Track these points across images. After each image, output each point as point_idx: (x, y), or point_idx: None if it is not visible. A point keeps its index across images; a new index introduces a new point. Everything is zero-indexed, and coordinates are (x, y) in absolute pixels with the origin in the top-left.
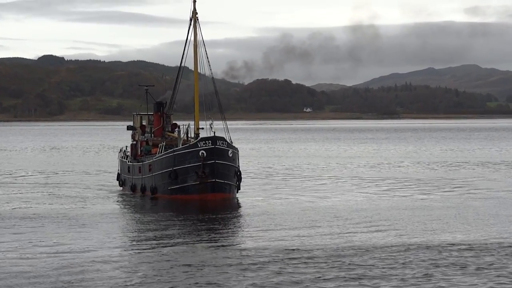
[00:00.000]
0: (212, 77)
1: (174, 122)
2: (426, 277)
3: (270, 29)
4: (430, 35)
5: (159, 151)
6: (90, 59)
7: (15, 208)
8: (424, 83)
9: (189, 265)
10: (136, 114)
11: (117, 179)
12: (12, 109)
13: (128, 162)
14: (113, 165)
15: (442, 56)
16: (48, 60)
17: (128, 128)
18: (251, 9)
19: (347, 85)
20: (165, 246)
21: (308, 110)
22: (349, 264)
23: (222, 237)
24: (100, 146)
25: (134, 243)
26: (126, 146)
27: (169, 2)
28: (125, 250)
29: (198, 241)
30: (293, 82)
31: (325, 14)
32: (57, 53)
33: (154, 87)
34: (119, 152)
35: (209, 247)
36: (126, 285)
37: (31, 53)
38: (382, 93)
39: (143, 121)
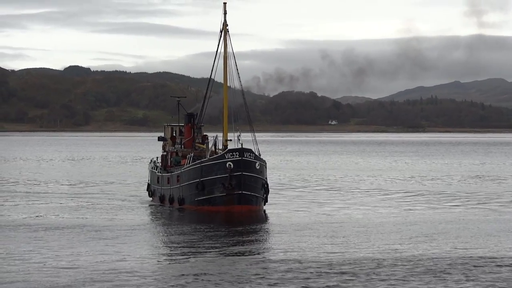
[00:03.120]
0: (242, 89)
1: (204, 133)
2: None
3: (295, 42)
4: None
5: (187, 162)
6: (116, 70)
7: (42, 218)
8: (449, 96)
9: (215, 276)
10: (167, 125)
11: (147, 190)
12: (38, 120)
13: (158, 172)
14: (143, 176)
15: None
16: (74, 71)
17: (159, 139)
18: (276, 22)
19: (372, 98)
20: (192, 257)
21: (333, 123)
22: (379, 277)
23: (248, 249)
24: (129, 157)
25: (160, 254)
26: (157, 157)
27: (196, 14)
28: (151, 261)
29: (224, 253)
30: (319, 94)
31: (349, 27)
32: (83, 64)
33: (185, 98)
34: (150, 162)
35: (235, 258)
36: None
37: (57, 63)
38: (408, 107)
39: (173, 132)
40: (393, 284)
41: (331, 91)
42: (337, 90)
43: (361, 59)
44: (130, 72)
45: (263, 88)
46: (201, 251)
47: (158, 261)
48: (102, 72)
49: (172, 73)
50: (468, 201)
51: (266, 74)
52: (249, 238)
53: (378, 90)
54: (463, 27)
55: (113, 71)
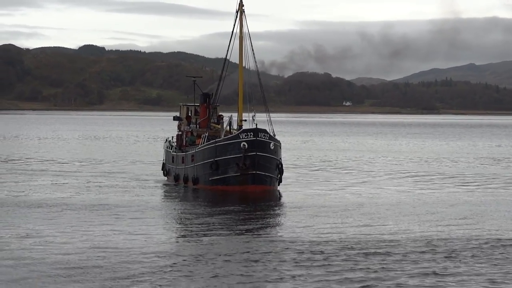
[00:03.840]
0: (257, 70)
1: (220, 113)
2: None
3: (310, 23)
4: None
5: (201, 142)
6: (130, 50)
7: (58, 197)
8: (464, 79)
9: (229, 256)
10: (183, 105)
11: (162, 169)
12: (52, 98)
13: (173, 152)
14: (159, 155)
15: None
16: (89, 50)
17: (174, 118)
18: (291, 2)
19: (387, 80)
20: (205, 237)
21: (348, 104)
22: (387, 260)
23: (262, 228)
24: (144, 136)
25: (174, 233)
26: (172, 137)
27: None
28: (165, 240)
29: (238, 232)
30: (333, 75)
31: (364, 8)
32: (98, 43)
33: (202, 78)
34: (165, 142)
35: (249, 238)
36: (166, 272)
37: (72, 42)
38: (422, 88)
39: (189, 111)
40: (409, 264)
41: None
42: (352, 71)
43: (377, 39)
44: (144, 52)
45: (277, 69)
46: (215, 230)
47: (171, 241)
48: (117, 51)
49: (187, 53)
50: (486, 183)
51: (281, 54)
52: (263, 218)
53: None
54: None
55: (127, 51)
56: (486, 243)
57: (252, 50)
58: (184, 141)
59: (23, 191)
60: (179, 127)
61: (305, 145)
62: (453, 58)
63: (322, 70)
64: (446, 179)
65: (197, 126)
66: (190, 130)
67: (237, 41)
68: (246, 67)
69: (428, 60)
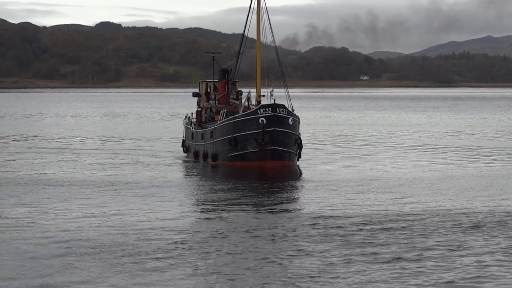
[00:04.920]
0: (275, 45)
1: (239, 89)
2: None
3: None
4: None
5: (220, 118)
6: (147, 26)
7: (78, 175)
8: (482, 51)
9: (249, 232)
10: (202, 81)
11: (182, 146)
12: (69, 76)
13: (192, 128)
14: (178, 132)
15: (501, 24)
16: (106, 27)
17: (194, 94)
18: None
19: (404, 53)
20: (224, 213)
21: (365, 78)
22: (416, 233)
23: (281, 204)
24: (164, 112)
25: (194, 210)
26: (192, 113)
27: None
28: (185, 217)
29: (257, 208)
30: (350, 50)
31: None
32: (115, 20)
33: (220, 54)
34: (184, 118)
35: (268, 213)
36: (185, 249)
37: (89, 20)
38: (440, 62)
39: (208, 88)
40: (432, 237)
41: (363, 46)
42: (368, 45)
43: (395, 14)
44: (161, 28)
45: (295, 44)
46: (234, 206)
47: (191, 217)
48: (134, 28)
49: (203, 29)
50: (508, 156)
51: (298, 29)
52: (282, 193)
53: (410, 45)
54: None
55: (144, 27)
56: (508, 215)
57: (270, 25)
58: (204, 118)
59: (45, 170)
60: (198, 103)
61: (324, 120)
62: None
63: (341, 44)
64: (466, 152)
65: (216, 102)
66: (209, 106)
67: (254, 16)
68: (263, 42)
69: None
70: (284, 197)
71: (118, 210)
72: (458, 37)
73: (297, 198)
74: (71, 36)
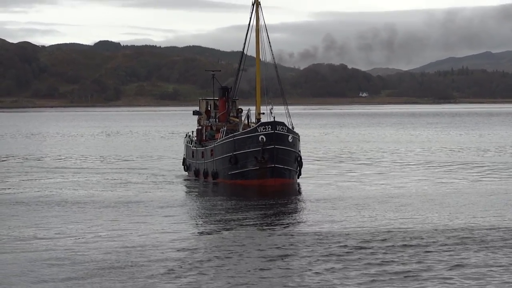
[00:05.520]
0: (274, 62)
1: (239, 107)
2: None
3: (326, 14)
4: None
5: (220, 136)
6: (146, 45)
7: (80, 194)
8: (481, 67)
9: (249, 252)
10: (202, 99)
11: (183, 164)
12: (68, 95)
13: (193, 147)
14: (179, 150)
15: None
16: (104, 46)
17: (194, 113)
18: None
19: (403, 70)
20: (225, 231)
21: (364, 95)
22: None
23: (281, 222)
24: (164, 131)
25: (194, 228)
26: (192, 131)
27: None
28: (186, 235)
29: (257, 226)
30: (349, 67)
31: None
32: (113, 38)
33: (220, 71)
34: (185, 137)
35: (269, 232)
36: (185, 267)
37: (87, 38)
38: (439, 78)
39: (208, 106)
40: (433, 255)
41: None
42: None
43: (396, 31)
44: (160, 47)
45: (293, 61)
46: (234, 225)
47: (192, 235)
48: (132, 46)
49: (202, 47)
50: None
51: (296, 47)
52: (282, 211)
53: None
54: None
55: (143, 46)
56: None
57: (269, 42)
58: (204, 136)
59: (47, 190)
60: (199, 121)
61: (324, 137)
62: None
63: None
64: (469, 169)
65: (217, 120)
66: (209, 124)
67: (253, 34)
68: (262, 59)
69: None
70: (285, 216)
71: (121, 229)
72: (457, 53)
73: (298, 216)
74: (70, 55)
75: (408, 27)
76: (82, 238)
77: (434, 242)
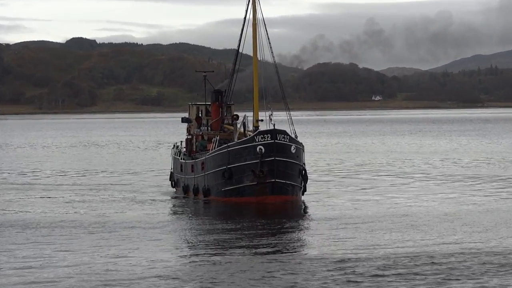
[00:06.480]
0: (274, 61)
1: (234, 113)
2: None
3: (332, 5)
4: None
5: (212, 147)
6: (125, 42)
7: (51, 214)
8: (511, 65)
9: (246, 279)
10: (192, 104)
11: (170, 179)
12: (37, 100)
13: (181, 159)
14: (166, 163)
15: None
16: (78, 44)
17: (183, 120)
18: None
19: (422, 69)
20: (219, 257)
21: (378, 98)
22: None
23: (283, 247)
24: (148, 141)
25: (184, 255)
26: (181, 141)
27: None
28: (174, 263)
29: (256, 252)
30: (360, 66)
31: None
32: (88, 35)
33: (213, 72)
34: (172, 148)
35: (269, 258)
36: None
37: (58, 35)
38: (464, 78)
39: (199, 112)
40: (458, 282)
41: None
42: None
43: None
44: (141, 44)
45: (295, 60)
46: (229, 250)
47: (181, 264)
48: (110, 44)
49: (191, 44)
50: None
51: (299, 43)
52: (285, 234)
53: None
54: None
55: (122, 43)
56: None
57: (268, 39)
58: (194, 146)
59: (12, 210)
60: (188, 130)
61: (332, 147)
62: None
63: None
64: (500, 184)
65: (209, 128)
66: (200, 133)
67: (249, 29)
68: (260, 58)
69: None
70: (287, 239)
71: (101, 256)
72: (483, 50)
73: (302, 240)
74: (38, 55)
75: (431, 19)
76: (52, 270)
77: (463, 268)
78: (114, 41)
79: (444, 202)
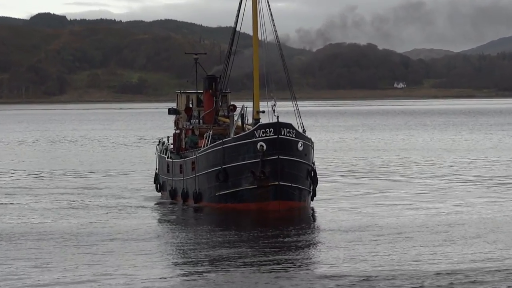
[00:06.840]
0: (278, 42)
1: (232, 103)
2: None
3: None
4: None
5: (205, 143)
6: (101, 19)
7: (16, 223)
8: None
9: None
10: (180, 93)
11: (154, 182)
12: None
13: (168, 158)
14: (150, 163)
15: None
16: (45, 21)
17: (170, 111)
18: None
19: (454, 51)
20: (213, 273)
21: (401, 86)
22: None
23: (289, 262)
24: (128, 136)
25: (172, 272)
26: (168, 137)
27: None
28: (161, 282)
29: (256, 268)
30: (380, 47)
31: None
32: (57, 10)
33: (206, 55)
34: (158, 145)
35: (272, 274)
36: None
37: (22, 11)
38: (503, 62)
39: (189, 102)
40: None
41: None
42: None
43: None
44: (120, 21)
45: (305, 41)
46: (225, 265)
47: (168, 282)
48: (83, 21)
49: (178, 21)
50: None
51: (307, 20)
52: (290, 246)
53: (462, 39)
54: None
55: (97, 20)
56: None
57: (271, 15)
58: (183, 143)
59: None
60: (176, 123)
61: (346, 144)
62: None
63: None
64: None
65: (200, 121)
66: (191, 127)
67: (248, 4)
68: (262, 38)
69: None
70: (293, 252)
71: (77, 276)
72: None
73: (311, 253)
74: None
75: None
76: (28, 285)
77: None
78: (87, 18)
79: (484, 209)
